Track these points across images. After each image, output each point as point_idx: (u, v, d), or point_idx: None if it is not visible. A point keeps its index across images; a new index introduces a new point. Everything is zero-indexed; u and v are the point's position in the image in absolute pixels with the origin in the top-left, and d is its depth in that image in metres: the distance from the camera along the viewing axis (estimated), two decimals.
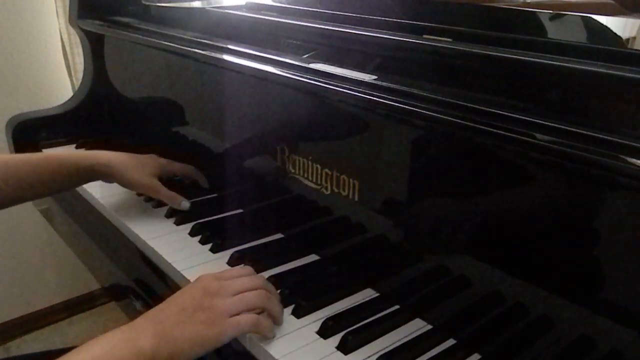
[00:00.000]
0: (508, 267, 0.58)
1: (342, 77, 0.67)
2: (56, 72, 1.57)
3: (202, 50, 0.87)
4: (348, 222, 0.74)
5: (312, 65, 0.72)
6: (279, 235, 0.84)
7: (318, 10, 0.84)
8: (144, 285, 0.80)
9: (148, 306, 0.76)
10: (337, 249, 0.78)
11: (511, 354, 0.59)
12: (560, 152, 0.48)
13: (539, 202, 0.54)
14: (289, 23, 0.85)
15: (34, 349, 1.64)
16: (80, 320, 1.80)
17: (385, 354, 0.59)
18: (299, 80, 0.71)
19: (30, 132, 1.21)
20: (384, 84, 0.63)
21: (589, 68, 0.51)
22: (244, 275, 0.64)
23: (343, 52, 0.76)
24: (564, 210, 0.52)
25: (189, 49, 0.89)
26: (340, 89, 0.65)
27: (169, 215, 0.89)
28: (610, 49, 0.54)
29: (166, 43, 0.95)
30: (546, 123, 0.49)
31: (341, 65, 0.70)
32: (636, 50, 0.54)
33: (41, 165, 0.82)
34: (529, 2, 0.73)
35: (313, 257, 0.79)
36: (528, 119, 0.50)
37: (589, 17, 0.59)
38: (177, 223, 0.86)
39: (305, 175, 0.77)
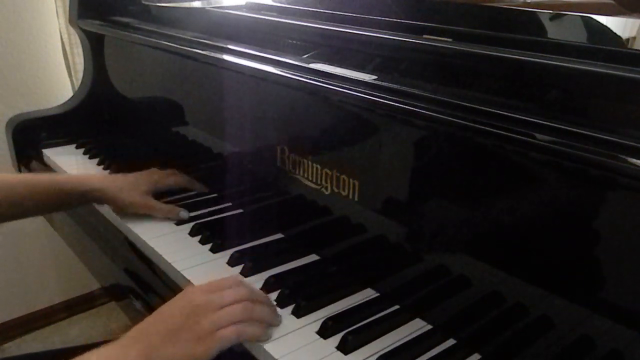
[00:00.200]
0: (508, 267, 0.58)
1: (342, 77, 0.67)
2: (56, 72, 1.57)
3: (202, 50, 0.87)
4: (348, 222, 0.74)
5: (312, 65, 0.72)
6: (279, 235, 0.84)
7: (318, 10, 0.83)
8: (144, 285, 0.80)
9: (148, 306, 0.77)
10: (337, 249, 0.78)
11: (511, 354, 0.59)
12: (560, 152, 0.48)
13: (539, 202, 0.54)
14: (289, 23, 0.85)
15: (34, 349, 1.64)
16: (80, 320, 1.80)
17: (385, 354, 0.59)
18: (299, 80, 0.71)
19: (30, 132, 1.21)
20: (384, 84, 0.63)
21: (589, 68, 0.51)
22: (231, 286, 0.63)
23: (343, 52, 0.76)
24: (564, 210, 0.52)
25: (189, 49, 0.89)
26: (340, 89, 0.65)
27: None
28: (610, 49, 0.54)
29: (166, 43, 0.95)
30: (546, 123, 0.49)
31: (341, 65, 0.70)
32: (636, 50, 0.54)
33: (35, 188, 0.84)
34: (529, 2, 0.72)
35: (313, 257, 0.79)
36: (528, 119, 0.50)
37: (589, 17, 0.59)
38: (177, 223, 0.87)
39: (305, 175, 0.77)
